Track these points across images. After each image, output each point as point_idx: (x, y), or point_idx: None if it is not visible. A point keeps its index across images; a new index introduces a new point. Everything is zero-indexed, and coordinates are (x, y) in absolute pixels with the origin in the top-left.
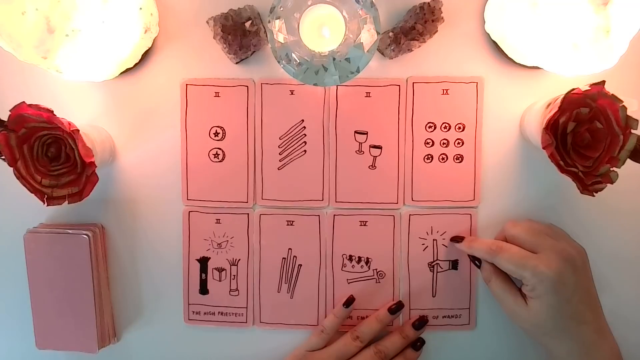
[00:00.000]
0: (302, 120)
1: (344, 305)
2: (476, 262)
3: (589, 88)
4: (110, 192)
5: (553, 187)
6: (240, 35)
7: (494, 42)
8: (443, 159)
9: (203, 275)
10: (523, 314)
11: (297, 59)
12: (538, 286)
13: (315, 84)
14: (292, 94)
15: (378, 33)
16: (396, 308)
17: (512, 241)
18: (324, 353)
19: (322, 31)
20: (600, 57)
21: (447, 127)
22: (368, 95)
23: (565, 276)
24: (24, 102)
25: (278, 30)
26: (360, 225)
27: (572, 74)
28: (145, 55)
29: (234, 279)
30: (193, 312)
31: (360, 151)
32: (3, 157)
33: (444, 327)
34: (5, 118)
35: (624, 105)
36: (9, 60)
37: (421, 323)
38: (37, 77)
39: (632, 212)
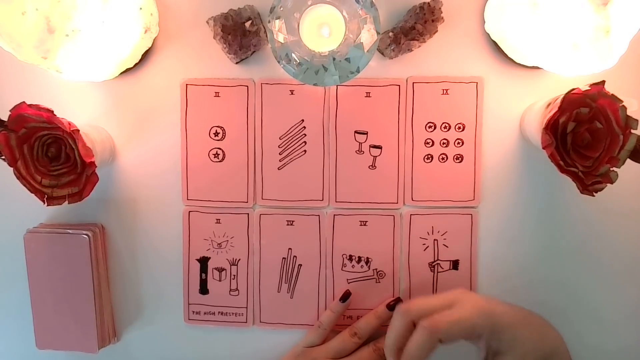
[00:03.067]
0: (302, 120)
1: (340, 300)
2: None
3: (589, 88)
4: (110, 192)
5: (553, 187)
6: (240, 35)
7: (494, 42)
8: (443, 159)
9: (203, 275)
10: None
11: (297, 59)
12: (495, 330)
13: (315, 84)
14: (292, 94)
15: (378, 33)
16: (395, 304)
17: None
18: (322, 349)
19: (322, 31)
20: (600, 57)
21: (447, 127)
22: (368, 95)
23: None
24: (24, 102)
25: (278, 30)
26: (360, 225)
27: (572, 74)
28: (145, 55)
29: (234, 278)
30: (193, 312)
31: (360, 151)
32: (3, 157)
33: None
34: (5, 118)
35: (624, 105)
36: (9, 60)
37: None
38: (37, 77)
39: (632, 212)
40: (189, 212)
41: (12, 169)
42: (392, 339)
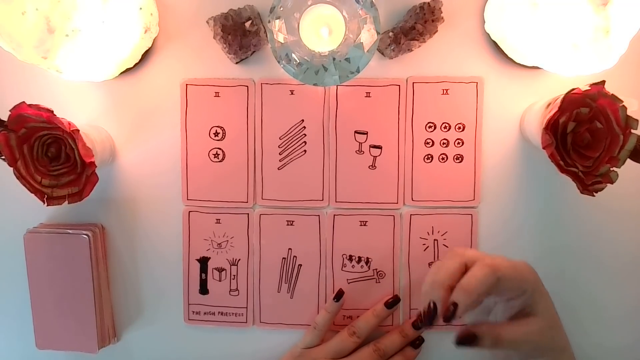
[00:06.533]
0: (302, 120)
1: (334, 299)
2: (468, 341)
3: (589, 88)
4: (110, 192)
5: (553, 187)
6: (240, 35)
7: (494, 42)
8: (443, 159)
9: (203, 275)
10: (535, 328)
11: (297, 59)
12: (538, 286)
13: (315, 84)
14: (292, 94)
15: (378, 33)
16: (393, 302)
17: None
18: (322, 350)
19: (322, 31)
20: (600, 57)
21: (447, 127)
22: (368, 95)
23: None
24: (24, 102)
25: (278, 30)
26: (360, 225)
27: (572, 74)
28: (145, 55)
29: (234, 279)
30: (193, 312)
31: (360, 151)
32: (3, 157)
33: (444, 327)
34: (5, 118)
35: (624, 105)
36: (9, 60)
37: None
38: (37, 77)
39: (632, 212)
40: (189, 212)
41: (12, 169)
42: (444, 276)
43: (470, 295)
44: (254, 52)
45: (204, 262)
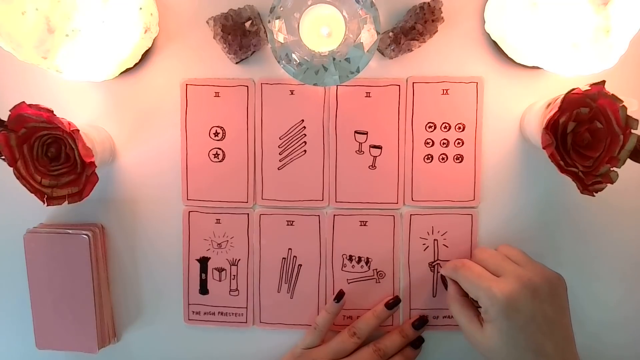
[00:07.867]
0: (302, 120)
1: (334, 300)
2: (445, 282)
3: (589, 88)
4: (110, 192)
5: (553, 187)
6: (240, 35)
7: (494, 42)
8: (443, 159)
9: (203, 275)
10: (477, 337)
11: (297, 59)
12: (490, 309)
13: (315, 84)
14: (292, 94)
15: (378, 33)
16: (393, 303)
17: (479, 264)
18: (322, 350)
19: (322, 31)
20: (600, 57)
21: (447, 127)
22: (368, 95)
23: (519, 302)
24: (24, 102)
25: (278, 30)
26: (360, 225)
27: (572, 74)
28: (145, 55)
29: (234, 279)
30: (193, 312)
31: (360, 151)
32: (3, 157)
33: (444, 327)
34: (5, 118)
35: (624, 105)
36: (9, 60)
37: (421, 323)
38: (37, 77)
39: (632, 212)
40: (189, 212)
41: (12, 169)
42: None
43: (442, 270)
44: (254, 52)
45: (204, 262)
